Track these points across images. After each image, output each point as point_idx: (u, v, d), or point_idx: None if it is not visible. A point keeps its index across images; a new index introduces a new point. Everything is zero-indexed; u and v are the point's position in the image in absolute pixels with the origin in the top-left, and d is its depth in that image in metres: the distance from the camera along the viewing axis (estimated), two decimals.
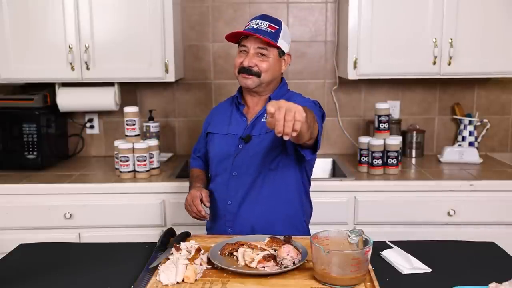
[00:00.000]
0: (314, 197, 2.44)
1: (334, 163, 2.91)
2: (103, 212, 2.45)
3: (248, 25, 1.85)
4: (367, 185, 2.47)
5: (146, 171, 2.55)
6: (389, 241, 1.58)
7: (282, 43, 1.84)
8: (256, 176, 1.81)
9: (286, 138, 1.29)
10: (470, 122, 2.91)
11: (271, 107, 1.28)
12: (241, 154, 1.83)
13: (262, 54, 1.82)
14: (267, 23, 1.82)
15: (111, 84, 2.82)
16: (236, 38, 1.88)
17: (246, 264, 1.38)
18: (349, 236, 1.31)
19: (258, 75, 1.82)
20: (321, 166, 2.92)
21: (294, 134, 1.28)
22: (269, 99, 1.88)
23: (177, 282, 1.28)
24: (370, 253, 1.27)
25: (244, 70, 1.82)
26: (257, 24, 1.82)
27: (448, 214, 2.44)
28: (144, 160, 2.54)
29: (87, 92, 2.80)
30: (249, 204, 1.82)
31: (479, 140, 3.00)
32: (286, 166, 1.82)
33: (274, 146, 1.79)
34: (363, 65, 2.63)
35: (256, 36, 1.79)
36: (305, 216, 1.93)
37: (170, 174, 2.61)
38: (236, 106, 1.93)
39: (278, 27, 1.83)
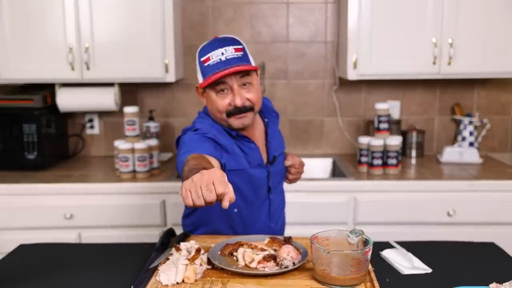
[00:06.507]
0: (314, 197, 2.46)
1: (334, 163, 2.91)
2: (103, 212, 2.45)
3: (209, 58, 1.56)
4: (367, 185, 2.47)
5: (146, 171, 2.55)
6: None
7: (252, 60, 1.62)
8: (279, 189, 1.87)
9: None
10: (470, 122, 2.91)
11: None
12: (272, 175, 1.75)
13: (246, 83, 1.58)
14: (231, 47, 1.56)
15: (111, 84, 2.82)
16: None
17: (246, 264, 1.38)
18: (349, 236, 1.31)
19: (251, 109, 1.60)
20: (321, 166, 2.93)
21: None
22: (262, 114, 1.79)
23: (177, 283, 1.28)
24: (370, 253, 1.27)
25: (237, 111, 1.58)
26: (222, 54, 1.55)
27: (448, 214, 2.44)
28: (144, 160, 2.54)
29: (87, 92, 2.80)
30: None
31: (479, 140, 3.00)
32: (281, 184, 1.88)
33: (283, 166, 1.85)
34: (363, 65, 2.63)
35: (237, 69, 1.53)
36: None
37: (170, 174, 2.61)
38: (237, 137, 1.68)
39: (241, 46, 1.60)
